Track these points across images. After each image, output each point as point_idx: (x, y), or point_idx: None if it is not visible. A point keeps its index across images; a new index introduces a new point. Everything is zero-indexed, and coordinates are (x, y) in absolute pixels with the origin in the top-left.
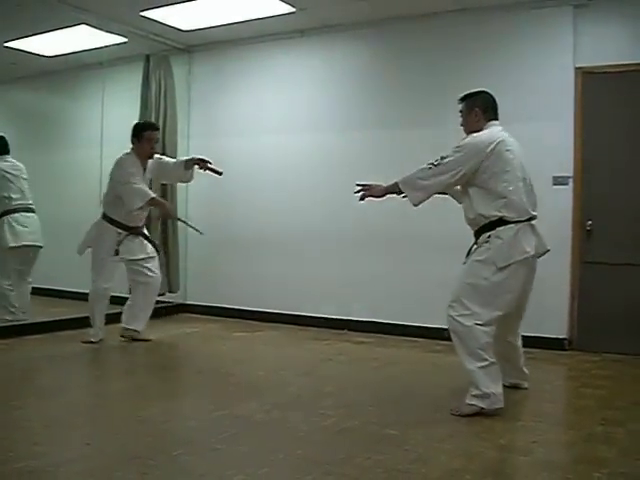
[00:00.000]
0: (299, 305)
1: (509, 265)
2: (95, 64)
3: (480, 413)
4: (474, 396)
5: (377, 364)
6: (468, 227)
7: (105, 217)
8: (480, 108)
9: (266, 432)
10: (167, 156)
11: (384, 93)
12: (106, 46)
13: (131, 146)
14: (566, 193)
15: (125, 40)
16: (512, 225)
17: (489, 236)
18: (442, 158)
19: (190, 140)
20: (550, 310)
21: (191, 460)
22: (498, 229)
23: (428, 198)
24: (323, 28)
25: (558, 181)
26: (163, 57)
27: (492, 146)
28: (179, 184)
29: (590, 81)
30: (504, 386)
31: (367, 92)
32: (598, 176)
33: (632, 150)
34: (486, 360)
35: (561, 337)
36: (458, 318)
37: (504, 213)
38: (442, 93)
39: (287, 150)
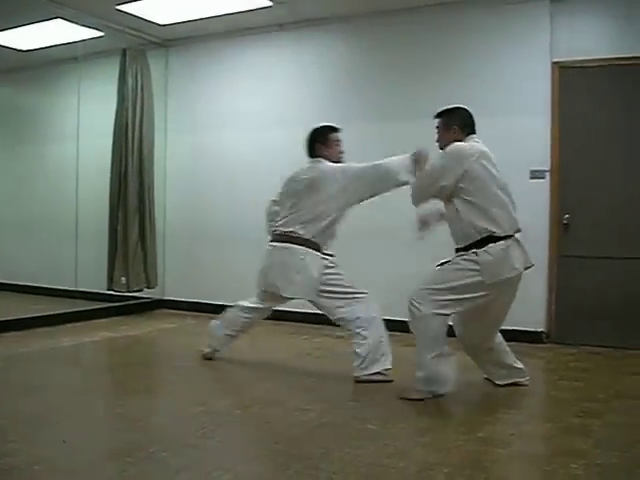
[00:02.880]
0: None
1: (495, 282)
2: (71, 58)
3: (458, 406)
4: (420, 381)
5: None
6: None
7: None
8: (458, 126)
9: (244, 427)
10: (144, 151)
11: (363, 88)
12: (82, 40)
13: (315, 155)
14: (543, 187)
15: (101, 34)
16: (502, 242)
17: (476, 251)
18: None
19: (167, 135)
20: (528, 303)
21: (168, 456)
22: (488, 246)
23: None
24: (301, 22)
25: (535, 175)
26: (140, 51)
27: (476, 156)
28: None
29: (567, 75)
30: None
31: (346, 87)
32: (575, 170)
33: (609, 144)
34: (439, 350)
35: (539, 330)
36: (419, 304)
37: (494, 228)
38: (420, 87)
39: (265, 144)
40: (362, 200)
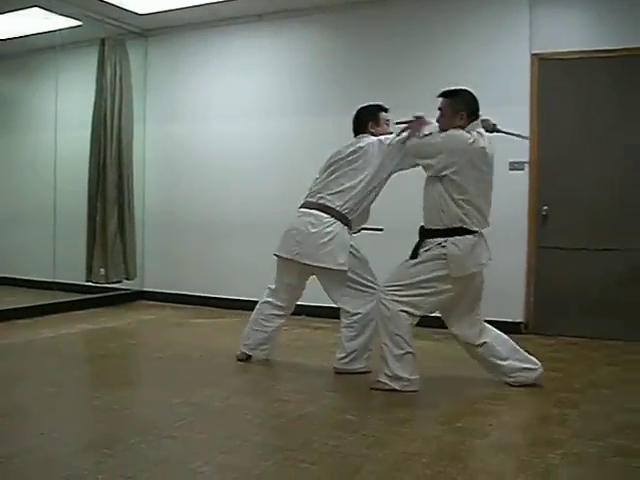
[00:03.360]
0: (257, 291)
1: (461, 277)
2: (49, 48)
3: (438, 397)
4: (386, 376)
5: (335, 349)
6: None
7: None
8: (466, 112)
9: (224, 419)
10: (123, 141)
11: (342, 78)
12: (60, 29)
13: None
14: (522, 178)
15: (79, 23)
16: (471, 237)
17: (445, 241)
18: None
19: (146, 126)
20: (507, 294)
21: (148, 448)
22: (457, 238)
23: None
24: (280, 12)
25: (514, 166)
26: (119, 41)
27: (471, 153)
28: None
29: (546, 67)
30: (510, 385)
31: (325, 77)
32: (554, 162)
33: (587, 136)
34: (403, 348)
35: (517, 321)
36: (386, 302)
37: (467, 222)
38: (400, 78)
39: (245, 135)
40: (393, 173)
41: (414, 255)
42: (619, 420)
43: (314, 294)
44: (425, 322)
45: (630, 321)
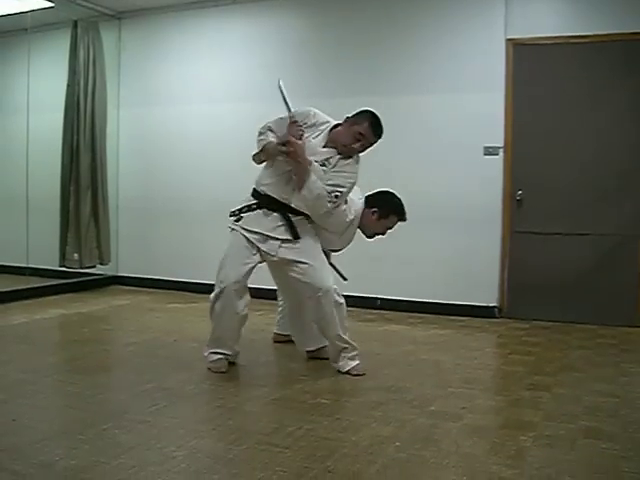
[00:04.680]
0: None
1: None
2: (20, 30)
3: (411, 381)
4: (356, 355)
5: None
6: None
7: None
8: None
9: (197, 403)
10: (97, 125)
11: (317, 63)
12: (31, 10)
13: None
14: (497, 163)
15: (51, 5)
16: None
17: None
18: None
19: (120, 109)
20: (481, 279)
21: (120, 433)
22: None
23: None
24: None
25: (489, 151)
26: (92, 23)
27: None
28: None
29: (521, 52)
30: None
31: (300, 62)
32: (528, 146)
33: (562, 121)
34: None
35: (492, 305)
36: (338, 292)
37: None
38: (374, 63)
39: (219, 119)
40: None
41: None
42: (590, 403)
43: None
44: (400, 307)
45: (602, 305)
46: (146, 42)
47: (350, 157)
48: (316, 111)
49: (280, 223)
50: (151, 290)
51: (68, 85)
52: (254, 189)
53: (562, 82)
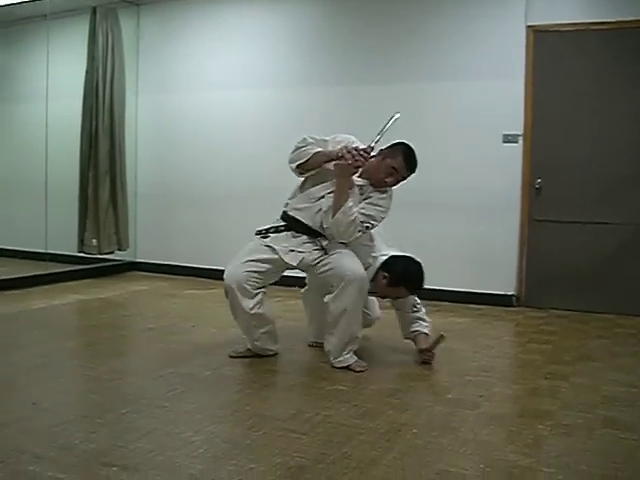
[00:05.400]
0: None
1: None
2: (39, 16)
3: (428, 369)
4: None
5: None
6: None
7: None
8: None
9: (215, 389)
10: (115, 111)
11: (333, 50)
12: None
13: None
14: (516, 151)
15: None
16: None
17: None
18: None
19: (138, 96)
20: (499, 267)
21: (138, 418)
22: None
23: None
24: None
25: (508, 139)
26: (110, 10)
27: None
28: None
29: (541, 39)
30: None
31: (316, 49)
32: (548, 134)
33: (581, 109)
34: None
35: (509, 294)
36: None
37: None
38: (391, 52)
39: (237, 105)
40: None
41: None
42: (608, 392)
43: None
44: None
45: (621, 295)
46: (164, 28)
47: (385, 191)
48: (355, 139)
49: (308, 241)
50: (169, 276)
51: (87, 72)
52: (284, 212)
53: (583, 70)
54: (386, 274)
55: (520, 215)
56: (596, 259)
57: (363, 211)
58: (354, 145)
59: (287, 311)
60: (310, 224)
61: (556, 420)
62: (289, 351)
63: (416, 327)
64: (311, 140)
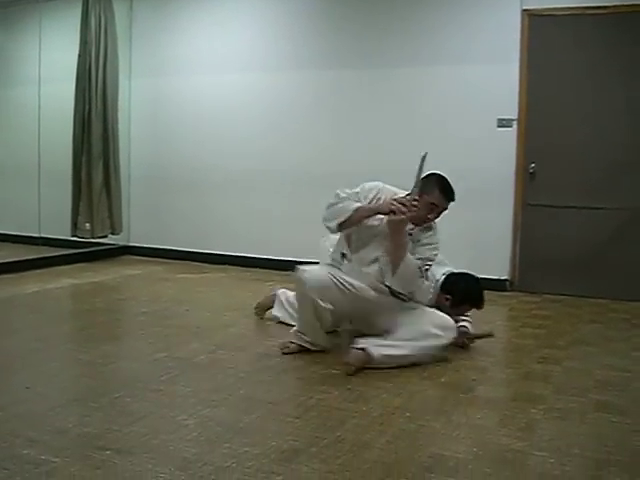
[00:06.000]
0: (245, 246)
1: None
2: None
3: None
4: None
5: None
6: None
7: None
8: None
9: (208, 373)
10: (108, 95)
11: (329, 34)
12: None
13: None
14: (510, 135)
15: None
16: None
17: None
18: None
19: (132, 79)
20: (492, 252)
21: (132, 402)
22: None
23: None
24: None
25: (502, 123)
26: None
27: None
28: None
29: (537, 23)
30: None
31: (310, 33)
32: (542, 119)
33: (576, 93)
34: None
35: (503, 278)
36: None
37: None
38: (387, 34)
39: (231, 88)
40: None
41: None
42: (601, 377)
43: (303, 250)
44: None
45: (615, 279)
46: (157, 12)
47: (431, 227)
48: (382, 185)
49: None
50: (163, 260)
51: (79, 55)
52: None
53: (578, 54)
54: (448, 296)
55: (514, 200)
56: (590, 244)
57: (419, 256)
58: (385, 189)
59: None
60: (370, 284)
61: (549, 404)
62: (282, 335)
63: (460, 323)
64: (344, 195)
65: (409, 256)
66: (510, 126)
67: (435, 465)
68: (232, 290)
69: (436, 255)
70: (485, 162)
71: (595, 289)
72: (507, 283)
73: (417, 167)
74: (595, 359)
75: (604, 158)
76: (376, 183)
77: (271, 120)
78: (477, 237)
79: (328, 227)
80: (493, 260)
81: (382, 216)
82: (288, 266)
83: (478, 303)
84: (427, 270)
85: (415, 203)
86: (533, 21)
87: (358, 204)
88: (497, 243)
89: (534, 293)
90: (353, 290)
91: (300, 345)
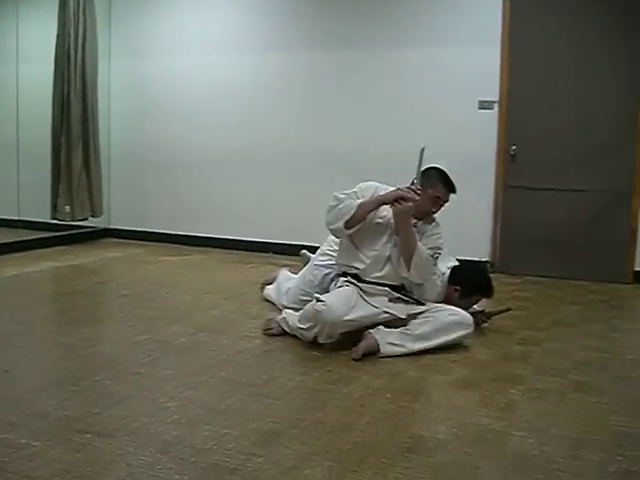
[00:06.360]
0: (226, 228)
1: None
2: None
3: None
4: None
5: None
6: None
7: None
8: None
9: (189, 355)
10: (87, 76)
11: (311, 14)
12: None
13: None
14: (491, 117)
15: None
16: None
17: None
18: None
19: (111, 61)
20: (473, 233)
21: (113, 385)
22: None
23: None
24: None
25: (483, 105)
26: None
27: None
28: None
29: (518, 5)
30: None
31: (292, 13)
32: (524, 101)
33: (557, 76)
34: None
35: (484, 260)
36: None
37: None
38: (369, 15)
39: (212, 70)
40: None
41: None
42: (580, 357)
43: (282, 231)
44: None
45: (594, 261)
46: None
47: (433, 220)
48: (378, 184)
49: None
50: (144, 243)
51: (58, 35)
52: (344, 272)
53: (560, 35)
54: (457, 287)
55: (495, 182)
56: (570, 226)
57: (429, 246)
58: (381, 188)
59: (261, 277)
60: (396, 283)
61: (528, 385)
62: (262, 317)
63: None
64: (343, 196)
65: (420, 245)
66: (491, 108)
67: (415, 445)
68: (212, 272)
69: (442, 244)
70: (466, 144)
71: (575, 271)
72: (488, 265)
73: (417, 161)
74: (575, 340)
75: (585, 141)
76: (371, 183)
77: (251, 102)
78: (457, 218)
79: (333, 230)
80: (474, 242)
81: (386, 206)
82: (269, 248)
83: (487, 292)
84: (437, 258)
85: (417, 190)
86: (515, 3)
87: (360, 200)
88: (478, 225)
89: (515, 275)
90: (365, 322)
91: (284, 330)
